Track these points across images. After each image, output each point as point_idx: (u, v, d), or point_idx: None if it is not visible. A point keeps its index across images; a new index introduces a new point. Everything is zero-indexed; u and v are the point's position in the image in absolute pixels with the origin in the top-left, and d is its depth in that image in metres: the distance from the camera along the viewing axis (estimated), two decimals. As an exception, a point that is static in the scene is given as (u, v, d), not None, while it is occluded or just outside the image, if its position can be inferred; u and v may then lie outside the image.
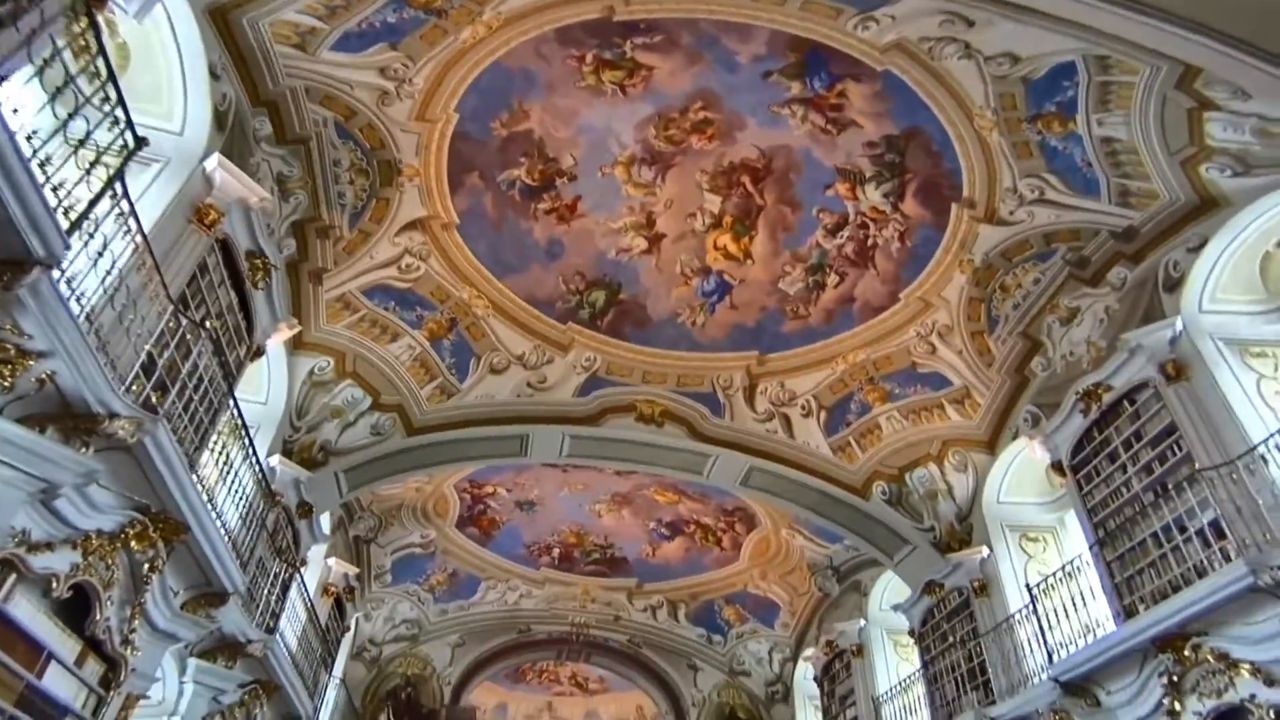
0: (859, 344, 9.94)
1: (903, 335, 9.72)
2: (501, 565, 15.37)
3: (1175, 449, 6.92)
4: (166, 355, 5.74)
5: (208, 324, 6.21)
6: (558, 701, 23.19)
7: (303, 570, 10.07)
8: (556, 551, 15.36)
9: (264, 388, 9.08)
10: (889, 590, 12.35)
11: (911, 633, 10.83)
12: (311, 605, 10.02)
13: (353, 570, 12.54)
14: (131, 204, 5.02)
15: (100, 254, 4.78)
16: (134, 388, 5.04)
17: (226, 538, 6.46)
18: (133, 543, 5.31)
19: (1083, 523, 7.99)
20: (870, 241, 9.09)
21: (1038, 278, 8.67)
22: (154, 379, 5.41)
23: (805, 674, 15.06)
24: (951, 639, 9.87)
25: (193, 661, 7.00)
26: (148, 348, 5.09)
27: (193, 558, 6.00)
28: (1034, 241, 8.40)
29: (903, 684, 10.58)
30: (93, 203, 4.45)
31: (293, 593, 9.74)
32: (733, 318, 10.01)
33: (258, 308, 7.20)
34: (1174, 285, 7.48)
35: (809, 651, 14.29)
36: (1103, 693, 6.96)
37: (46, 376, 4.13)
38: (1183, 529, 6.55)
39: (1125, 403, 7.63)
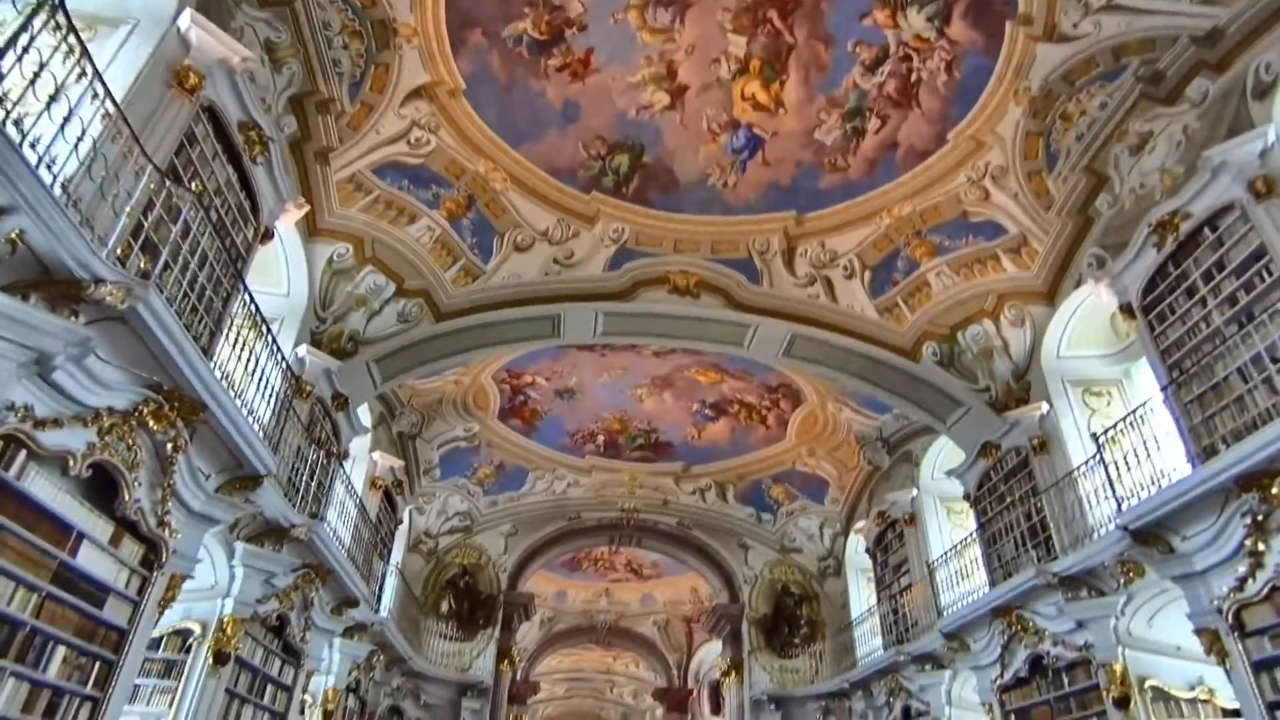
0: (904, 194, 9.21)
1: (952, 181, 8.95)
2: (547, 455, 15.39)
3: (1264, 274, 6.22)
4: (163, 231, 5.44)
5: (202, 198, 5.84)
6: (614, 587, 23.89)
7: (346, 462, 10.09)
8: (601, 439, 15.28)
9: (284, 278, 8.82)
10: (942, 457, 12.00)
11: (966, 497, 10.52)
12: (358, 496, 10.06)
13: (398, 464, 12.62)
14: (92, 62, 4.59)
15: (67, 119, 4.40)
16: (122, 254, 4.74)
17: (252, 420, 6.30)
18: (150, 422, 5.15)
19: (1154, 367, 7.41)
20: (913, 76, 8.21)
21: (1104, 101, 7.77)
22: (150, 251, 5.12)
23: (856, 547, 15.02)
24: (1009, 499, 9.53)
25: (240, 545, 7.03)
26: (128, 208, 4.74)
27: (219, 439, 5.84)
28: (1100, 58, 7.46)
29: (957, 548, 10.34)
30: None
31: (338, 485, 9.80)
32: (766, 175, 9.32)
33: (260, 185, 6.82)
34: (1264, 91, 6.59)
35: (860, 524, 14.18)
36: (1177, 539, 6.56)
37: (16, 236, 3.82)
38: (1274, 359, 5.95)
39: (1206, 230, 6.88)
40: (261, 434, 6.59)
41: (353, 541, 10.13)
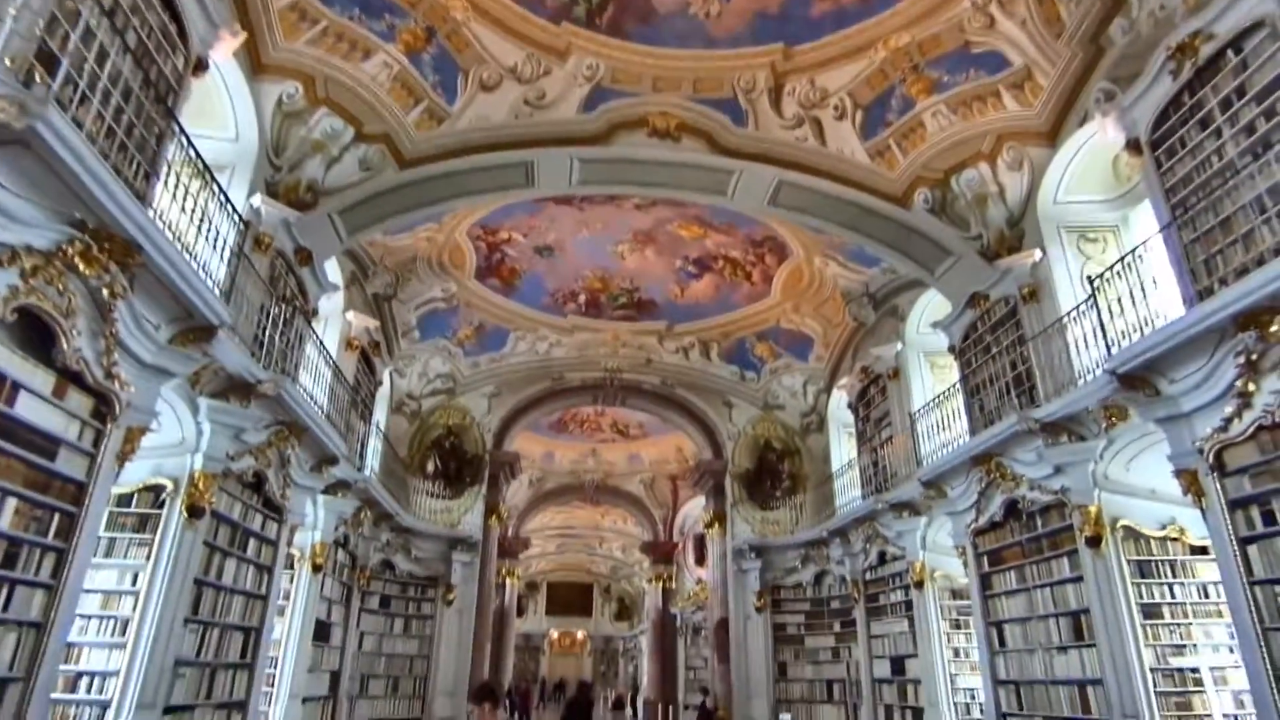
0: (902, 23, 8.45)
1: (955, 7, 8.19)
2: (527, 315, 15.11)
3: (1289, 98, 5.77)
4: (75, 54, 4.82)
5: (113, 14, 5.17)
6: (601, 448, 24.31)
7: (317, 322, 9.76)
8: (582, 298, 14.96)
9: (230, 121, 8.14)
10: (928, 311, 11.79)
11: (952, 349, 10.39)
12: (331, 355, 9.78)
13: (373, 324, 12.32)
14: None
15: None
16: (23, 78, 4.18)
17: (200, 269, 5.91)
18: (80, 265, 4.79)
19: (1157, 206, 7.05)
20: (920, -121, 7.33)
21: (1127, -90, 6.98)
22: (51, 66, 4.54)
23: (839, 403, 15.10)
24: (994, 350, 9.39)
25: (204, 400, 6.80)
26: (11, 9, 4.13)
27: (163, 287, 5.48)
28: None
29: (939, 399, 10.31)
30: None
31: (309, 345, 9.51)
32: (752, 3, 8.51)
33: (185, 6, 6.09)
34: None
35: (843, 380, 14.18)
36: (1164, 381, 6.43)
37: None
38: (1287, 190, 5.60)
39: (1229, 53, 6.35)
40: (214, 285, 6.21)
41: (329, 401, 9.96)
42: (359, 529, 11.74)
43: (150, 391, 5.74)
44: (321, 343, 9.68)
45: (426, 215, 10.75)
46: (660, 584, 25.59)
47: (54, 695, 6.19)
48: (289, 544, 8.92)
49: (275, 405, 7.70)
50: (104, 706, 6.17)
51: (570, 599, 40.82)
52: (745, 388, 16.38)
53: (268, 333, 8.22)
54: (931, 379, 11.87)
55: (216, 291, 6.13)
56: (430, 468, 15.27)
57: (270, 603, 8.45)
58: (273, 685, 9.67)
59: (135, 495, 6.86)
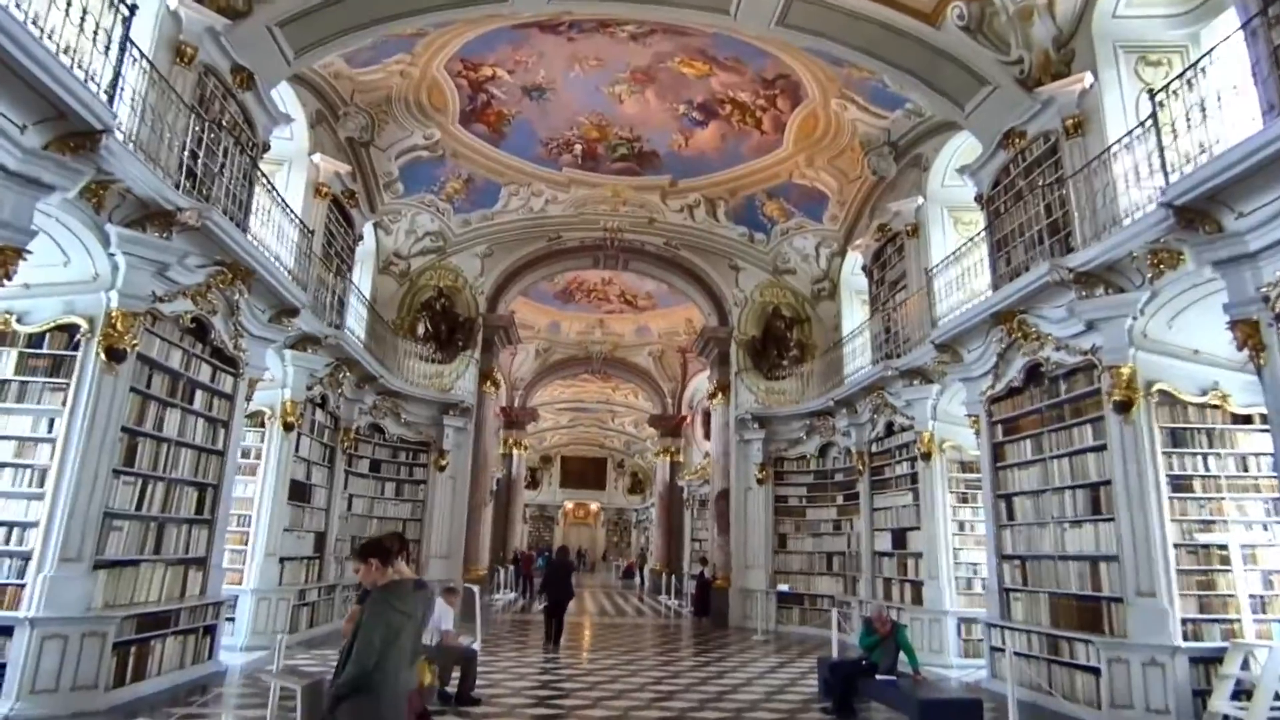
0: None
1: None
2: (519, 167, 13.96)
3: None
4: None
5: None
6: (608, 319, 23.57)
7: (280, 165, 8.82)
8: (578, 148, 13.74)
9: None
10: (955, 158, 10.55)
11: (979, 199, 9.25)
12: (276, 191, 8.86)
13: (344, 168, 11.31)
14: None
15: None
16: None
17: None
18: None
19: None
20: None
21: None
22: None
23: (853, 266, 14.08)
24: (1027, 196, 8.25)
25: (113, 229, 5.98)
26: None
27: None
28: None
29: (960, 250, 9.25)
30: None
31: (258, 186, 8.58)
32: None
33: None
34: None
35: (859, 241, 13.08)
36: (1230, 215, 5.38)
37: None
38: None
39: None
40: (95, 85, 5.23)
41: (289, 248, 9.12)
42: (338, 389, 11.18)
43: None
44: (269, 181, 8.74)
45: (387, 35, 9.50)
46: (668, 457, 25.47)
47: (-32, 545, 5.80)
48: (248, 399, 8.32)
49: (205, 240, 6.87)
50: (25, 558, 5.72)
51: (584, 472, 41.40)
52: (754, 250, 15.32)
53: (201, 161, 7.29)
54: (954, 236, 10.75)
55: (97, 91, 5.16)
56: (420, 330, 14.60)
57: (228, 459, 7.94)
58: (246, 543, 9.38)
59: (46, 335, 6.18)
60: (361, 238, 12.86)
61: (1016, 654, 7.15)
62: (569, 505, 41.55)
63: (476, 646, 9.83)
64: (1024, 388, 8.02)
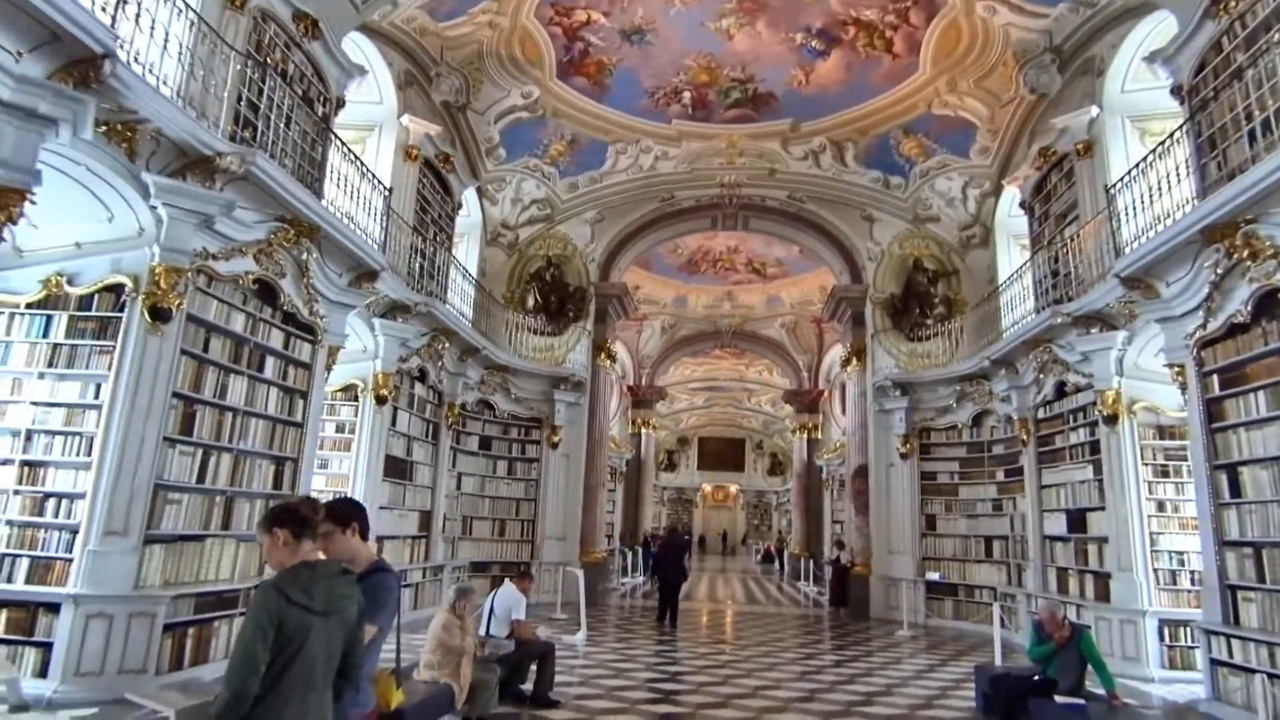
0: None
1: None
2: (625, 123, 12.96)
3: None
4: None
5: None
6: (736, 290, 22.28)
7: (338, 112, 8.25)
8: (687, 96, 12.55)
9: None
10: (1141, 50, 8.50)
11: (1177, 91, 7.29)
12: (348, 149, 8.27)
13: (434, 129, 10.74)
14: None
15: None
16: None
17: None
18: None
19: None
20: None
21: None
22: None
23: (1009, 205, 12.12)
24: (1250, 72, 6.29)
25: (151, 178, 5.47)
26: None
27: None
28: None
29: (1150, 158, 7.32)
30: None
31: (331, 147, 8.05)
32: None
33: None
34: None
35: (1017, 173, 11.13)
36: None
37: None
38: None
39: None
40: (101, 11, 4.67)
41: (364, 210, 8.57)
42: (438, 362, 10.67)
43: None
44: (338, 137, 8.15)
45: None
46: (805, 434, 23.90)
47: (19, 518, 5.51)
48: (328, 368, 7.83)
49: (259, 193, 6.32)
50: (74, 532, 5.35)
51: (722, 453, 40.37)
52: (890, 197, 13.57)
53: (262, 113, 6.78)
54: (1140, 151, 8.71)
55: (92, 7, 4.58)
56: (530, 302, 13.98)
57: (308, 431, 7.46)
58: (340, 522, 8.98)
59: (95, 296, 5.80)
60: (461, 205, 12.34)
61: (1253, 671, 5.41)
62: (707, 488, 40.62)
63: (580, 638, 9.06)
64: (1252, 323, 6.13)
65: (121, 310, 5.71)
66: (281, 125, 7.18)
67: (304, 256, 7.12)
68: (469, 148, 12.58)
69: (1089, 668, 5.10)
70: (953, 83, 11.28)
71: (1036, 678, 5.14)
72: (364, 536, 2.57)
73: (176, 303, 5.72)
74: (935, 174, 12.84)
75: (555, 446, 13.29)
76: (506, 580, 6.20)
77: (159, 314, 5.63)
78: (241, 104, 6.61)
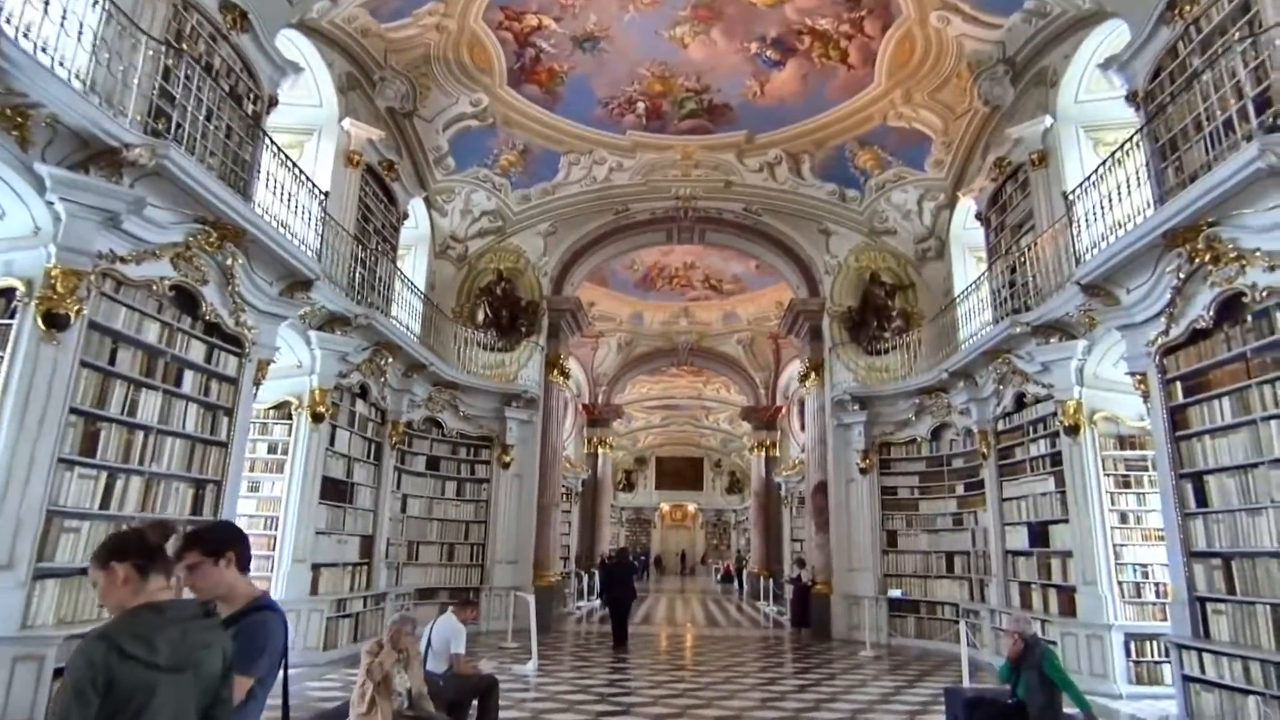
0: None
1: None
2: (578, 133, 12.66)
3: None
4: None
5: None
6: (693, 306, 22.09)
7: (269, 112, 7.76)
8: (641, 107, 12.31)
9: None
10: (1095, 58, 8.48)
11: (1132, 97, 7.23)
12: (276, 144, 7.75)
13: (377, 134, 10.28)
14: None
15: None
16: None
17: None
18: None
19: None
20: None
21: None
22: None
23: (965, 217, 12.09)
24: (1207, 75, 6.21)
25: (45, 169, 4.93)
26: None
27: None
28: None
29: (1108, 164, 7.23)
30: None
31: (266, 154, 7.55)
32: None
33: None
34: None
35: (972, 184, 11.08)
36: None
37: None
38: None
39: None
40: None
41: (300, 216, 8.06)
42: (380, 378, 10.14)
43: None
44: (271, 139, 7.66)
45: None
46: (763, 451, 23.69)
47: (-113, 551, 4.87)
48: (257, 383, 7.28)
49: (175, 190, 5.81)
50: (-49, 564, 4.74)
51: (680, 473, 39.96)
52: (846, 210, 13.47)
53: (181, 103, 6.26)
54: (1093, 159, 8.67)
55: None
56: (480, 317, 13.51)
57: (234, 451, 6.90)
58: (273, 548, 8.40)
59: (-19, 303, 5.22)
60: (407, 215, 11.85)
61: (1227, 687, 5.20)
62: (665, 507, 40.18)
63: (530, 667, 8.56)
64: (1215, 329, 6.01)
65: (11, 317, 5.14)
66: (204, 121, 6.67)
67: (229, 262, 6.61)
68: (416, 156, 12.14)
69: (1060, 688, 4.82)
70: (908, 94, 11.23)
71: (1010, 700, 4.84)
72: (243, 568, 2.13)
73: (75, 309, 5.17)
74: (891, 186, 12.78)
75: (507, 466, 12.79)
76: (447, 609, 5.71)
77: (54, 321, 5.07)
78: (157, 96, 6.10)
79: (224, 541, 2.10)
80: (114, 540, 1.80)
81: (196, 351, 6.56)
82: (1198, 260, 5.92)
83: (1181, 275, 6.10)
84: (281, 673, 2.14)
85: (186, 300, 6.41)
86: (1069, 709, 4.67)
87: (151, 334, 6.04)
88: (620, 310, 21.89)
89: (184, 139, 6.26)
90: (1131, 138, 6.93)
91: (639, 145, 13.00)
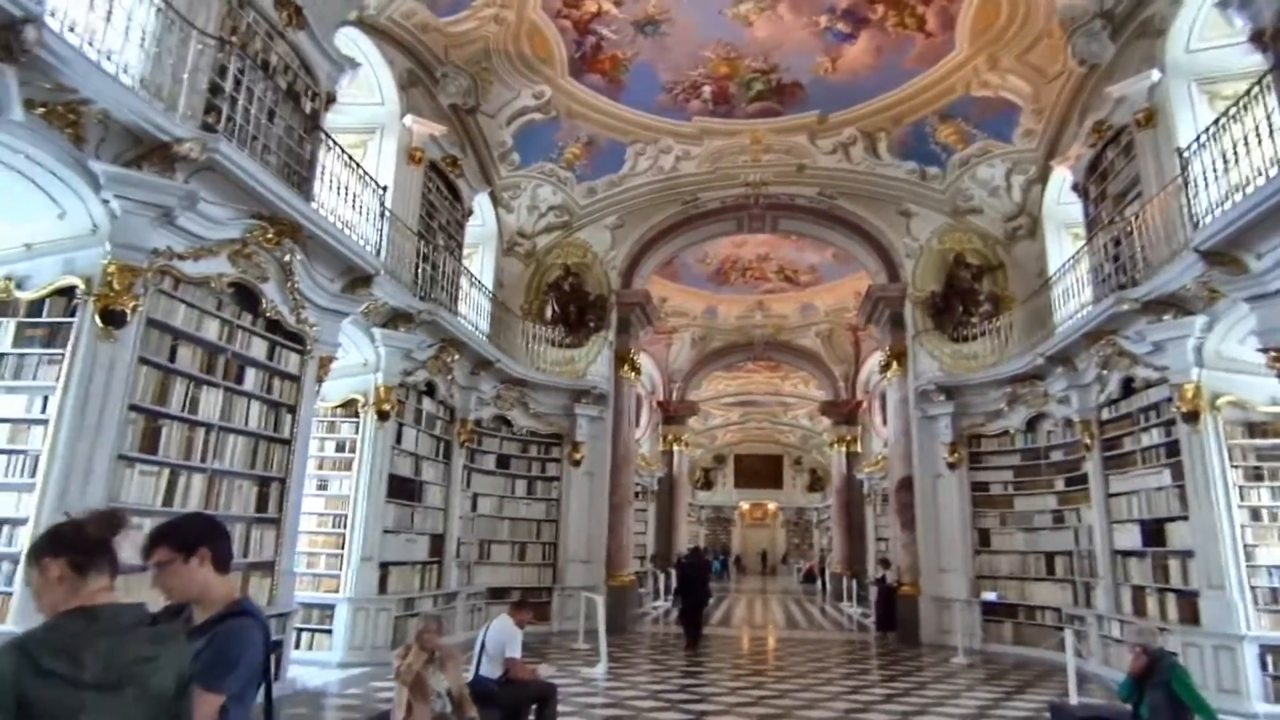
0: None
1: None
2: (643, 121, 12.34)
3: None
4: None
5: None
6: (768, 299, 21.50)
7: (324, 108, 7.71)
8: (707, 90, 11.89)
9: None
10: (1206, 8, 7.62)
11: (1258, 37, 6.38)
12: (340, 148, 7.70)
13: (439, 129, 10.20)
14: None
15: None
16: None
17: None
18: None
19: None
20: None
21: None
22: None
23: (1059, 190, 11.20)
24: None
25: (99, 165, 4.93)
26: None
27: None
28: None
29: (1231, 114, 6.42)
30: None
31: (325, 152, 7.52)
32: None
33: None
34: None
35: (1069, 152, 10.22)
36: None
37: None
38: None
39: None
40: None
41: (359, 211, 8.01)
42: (447, 375, 10.06)
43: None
44: (328, 135, 7.62)
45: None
46: (844, 447, 22.87)
47: (-43, 548, 4.95)
48: (320, 380, 7.25)
49: (227, 185, 5.77)
50: (15, 562, 4.76)
51: (759, 470, 39.21)
52: (927, 189, 12.71)
53: (240, 103, 6.24)
54: (1209, 113, 7.79)
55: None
56: (548, 313, 13.36)
57: (297, 449, 6.88)
58: (342, 547, 8.39)
59: (45, 301, 5.26)
60: (472, 212, 11.77)
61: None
62: (745, 506, 39.51)
63: (599, 670, 8.28)
64: (1369, 293, 5.21)
65: (73, 315, 5.16)
66: (263, 119, 6.66)
67: (287, 258, 6.57)
68: (480, 152, 12.06)
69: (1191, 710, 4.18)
70: (993, 60, 10.45)
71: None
72: (222, 567, 1.88)
73: (132, 305, 5.16)
74: (976, 162, 11.96)
75: (578, 464, 12.58)
76: (503, 613, 5.47)
77: (112, 318, 5.07)
78: (212, 94, 6.09)
79: (198, 536, 1.85)
80: (49, 532, 1.56)
81: (258, 349, 6.55)
82: (1345, 216, 5.14)
83: (1325, 235, 5.32)
84: (264, 689, 1.88)
85: (246, 297, 6.39)
86: (1202, 734, 4.04)
87: (211, 331, 6.04)
88: (693, 305, 21.47)
89: (239, 135, 6.24)
90: (1261, 80, 6.12)
91: (706, 132, 12.58)
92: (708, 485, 39.21)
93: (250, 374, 6.45)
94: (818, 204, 13.67)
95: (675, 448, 23.51)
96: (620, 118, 12.26)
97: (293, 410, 6.90)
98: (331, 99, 7.83)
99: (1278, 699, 6.63)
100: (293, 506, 6.82)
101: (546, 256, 13.90)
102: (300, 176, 7.18)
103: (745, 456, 39.23)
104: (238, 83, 6.32)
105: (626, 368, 13.59)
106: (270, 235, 6.31)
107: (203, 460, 5.88)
